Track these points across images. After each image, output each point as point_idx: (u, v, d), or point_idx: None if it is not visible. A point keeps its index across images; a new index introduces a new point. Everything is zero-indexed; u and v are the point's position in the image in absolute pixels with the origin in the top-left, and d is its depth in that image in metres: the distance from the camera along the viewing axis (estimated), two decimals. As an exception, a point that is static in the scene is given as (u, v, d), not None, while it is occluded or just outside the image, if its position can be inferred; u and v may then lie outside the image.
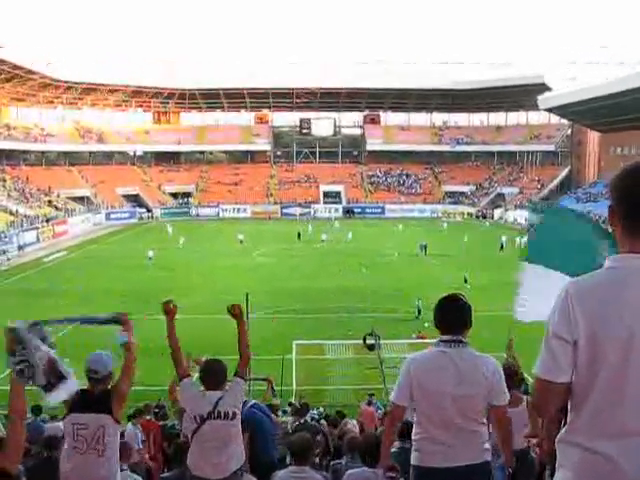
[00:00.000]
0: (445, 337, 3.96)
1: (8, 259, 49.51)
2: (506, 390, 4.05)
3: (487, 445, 4.01)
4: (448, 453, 3.85)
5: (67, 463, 4.72)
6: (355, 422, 11.38)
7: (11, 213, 61.17)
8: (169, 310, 5.29)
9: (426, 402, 3.91)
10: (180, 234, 58.71)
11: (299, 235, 60.34)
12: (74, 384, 3.78)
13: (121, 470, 5.94)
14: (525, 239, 53.79)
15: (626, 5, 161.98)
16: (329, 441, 9.27)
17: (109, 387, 4.75)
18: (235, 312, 5.23)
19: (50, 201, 71.84)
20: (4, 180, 72.05)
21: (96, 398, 4.66)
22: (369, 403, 14.56)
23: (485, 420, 4.03)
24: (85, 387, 4.78)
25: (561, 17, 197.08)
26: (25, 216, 61.41)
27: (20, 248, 52.49)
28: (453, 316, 4.01)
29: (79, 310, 29.29)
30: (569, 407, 2.50)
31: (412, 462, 4.03)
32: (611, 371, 2.31)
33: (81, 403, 4.65)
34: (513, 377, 6.37)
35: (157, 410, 11.85)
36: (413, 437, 4.08)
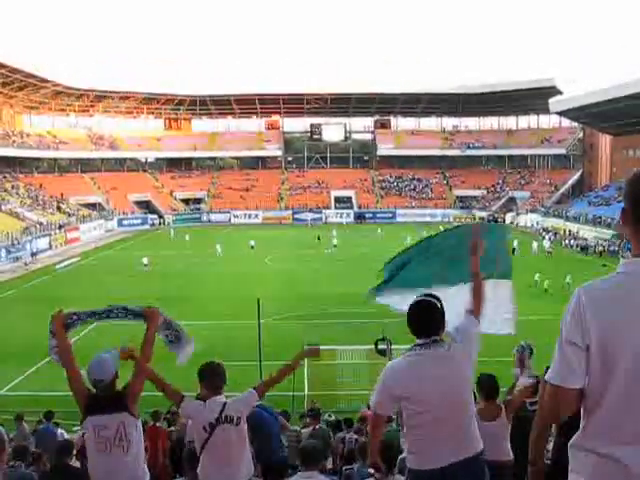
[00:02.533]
0: (419, 341, 3.94)
1: (26, 264, 49.79)
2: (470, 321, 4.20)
3: (478, 435, 3.98)
4: (444, 451, 3.82)
5: (94, 467, 4.78)
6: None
7: (24, 220, 61.52)
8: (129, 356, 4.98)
9: (414, 405, 3.87)
10: (187, 238, 58.87)
11: (319, 238, 60.88)
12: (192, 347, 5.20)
13: None
14: (540, 244, 53.90)
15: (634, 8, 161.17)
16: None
17: (121, 387, 4.79)
18: (312, 353, 5.41)
19: (62, 208, 72.16)
20: (18, 187, 72.50)
21: (110, 399, 4.71)
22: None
23: (473, 409, 4.04)
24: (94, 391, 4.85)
25: (572, 20, 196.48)
26: (38, 223, 61.74)
27: (33, 255, 52.75)
28: (424, 319, 3.97)
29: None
30: (582, 413, 2.48)
31: (409, 466, 3.99)
32: (624, 377, 2.30)
33: (97, 405, 4.73)
34: (492, 388, 6.28)
35: (169, 416, 11.84)
36: (407, 441, 4.06)
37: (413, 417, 3.91)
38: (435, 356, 3.88)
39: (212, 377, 5.05)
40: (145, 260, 47.92)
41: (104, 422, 4.67)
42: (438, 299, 4.04)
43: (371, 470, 4.58)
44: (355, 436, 10.15)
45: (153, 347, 4.88)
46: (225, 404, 4.87)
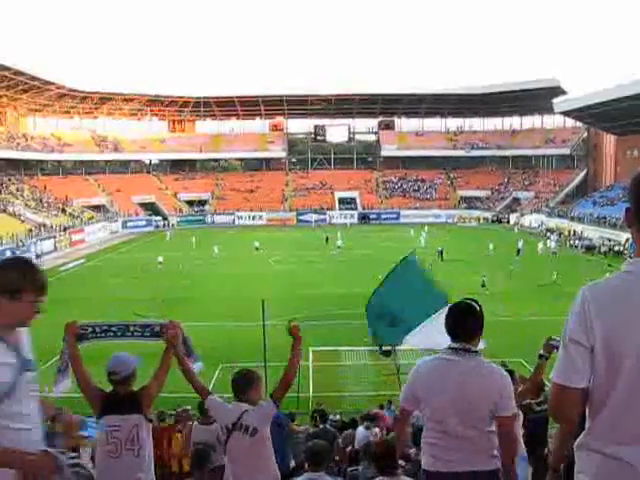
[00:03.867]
0: (454, 345, 3.89)
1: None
2: (513, 402, 3.93)
3: (495, 452, 3.91)
4: (451, 459, 3.81)
5: (102, 470, 4.75)
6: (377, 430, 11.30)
7: (29, 222, 61.66)
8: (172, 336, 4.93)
9: (429, 409, 3.90)
10: (194, 240, 58.91)
11: (327, 239, 60.92)
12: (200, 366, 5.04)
13: None
14: (545, 244, 53.80)
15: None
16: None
17: (136, 388, 4.78)
18: (294, 332, 4.97)
19: (67, 210, 72.30)
20: (22, 190, 72.67)
21: (126, 399, 4.70)
22: (381, 407, 14.54)
23: (493, 428, 3.95)
24: (109, 390, 4.85)
25: (577, 20, 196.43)
26: (42, 225, 61.87)
27: (38, 257, 52.77)
28: (463, 324, 3.91)
29: (97, 318, 29.50)
30: (587, 413, 2.48)
31: (422, 466, 4.02)
32: (629, 376, 2.29)
33: (112, 405, 4.72)
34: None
35: (179, 416, 11.84)
36: (422, 441, 4.06)
37: (429, 416, 3.94)
38: (462, 365, 3.84)
39: (237, 382, 4.98)
40: (160, 259, 49.04)
41: (118, 422, 4.65)
42: (478, 302, 4.02)
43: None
44: (376, 430, 10.14)
45: (170, 362, 4.82)
46: (244, 411, 4.78)
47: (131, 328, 5.12)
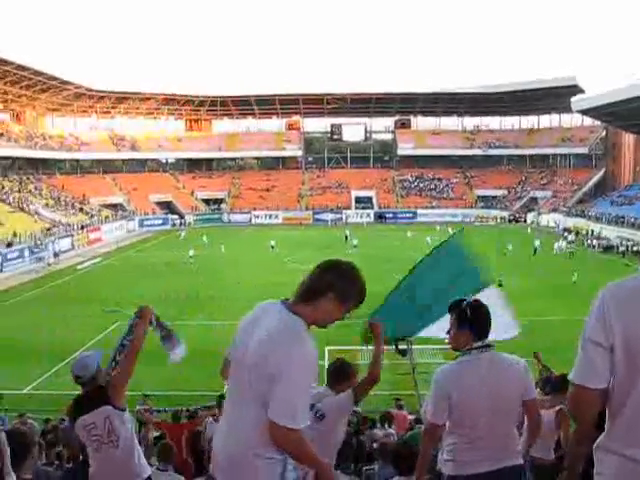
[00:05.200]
0: (476, 344, 3.90)
1: (49, 264, 50.28)
2: (533, 385, 4.09)
3: (519, 447, 3.99)
4: (485, 458, 3.81)
5: (93, 467, 4.80)
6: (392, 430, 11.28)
7: (47, 221, 62.11)
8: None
9: (463, 412, 3.85)
10: (219, 241, 59.06)
11: (347, 237, 61.06)
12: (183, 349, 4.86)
13: (163, 470, 5.98)
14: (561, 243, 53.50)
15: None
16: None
17: (103, 383, 4.77)
18: (376, 332, 4.77)
19: (84, 209, 72.73)
20: (40, 189, 73.19)
21: (93, 396, 4.72)
22: (400, 407, 14.50)
23: (517, 421, 4.02)
24: (78, 393, 4.91)
25: (595, 18, 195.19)
26: (60, 223, 62.28)
27: (55, 255, 53.21)
28: (481, 322, 3.94)
29: (113, 316, 29.67)
30: (607, 414, 2.46)
31: (446, 472, 3.95)
32: (648, 377, 2.27)
33: (81, 406, 4.77)
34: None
35: (191, 416, 11.89)
36: (446, 447, 4.00)
37: (458, 421, 3.88)
38: (487, 361, 3.87)
39: (333, 372, 4.92)
40: (191, 252, 50.89)
41: (91, 420, 4.67)
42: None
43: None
44: (391, 430, 10.13)
45: (142, 342, 4.75)
46: (325, 397, 4.61)
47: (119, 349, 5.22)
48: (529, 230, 69.46)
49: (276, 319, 3.00)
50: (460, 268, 6.29)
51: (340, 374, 4.88)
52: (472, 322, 3.92)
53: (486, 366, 3.84)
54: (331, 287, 3.01)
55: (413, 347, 6.96)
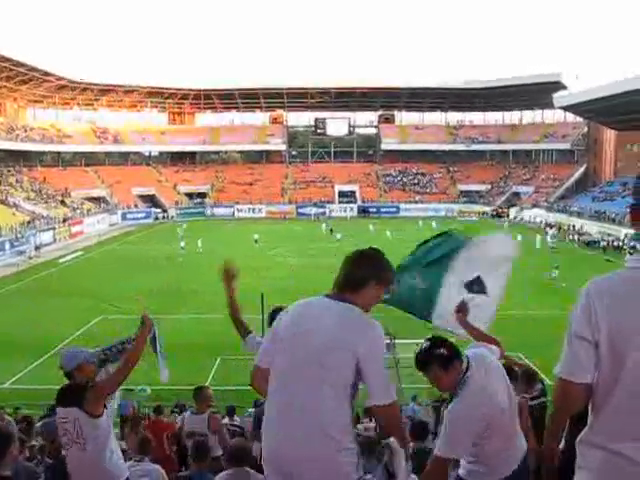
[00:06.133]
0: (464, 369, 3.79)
1: (30, 257, 49.94)
2: None
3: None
4: (507, 461, 3.76)
5: (69, 464, 4.80)
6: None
7: (28, 213, 61.64)
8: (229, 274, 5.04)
9: (489, 422, 3.65)
10: (197, 235, 58.83)
11: (332, 230, 61.03)
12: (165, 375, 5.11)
13: (138, 461, 5.95)
14: (543, 239, 53.81)
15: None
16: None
17: (90, 381, 4.74)
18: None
19: (66, 202, 72.24)
20: (21, 181, 72.60)
21: (71, 392, 4.68)
22: None
23: None
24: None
25: (577, 15, 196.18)
26: (42, 216, 61.84)
27: (37, 248, 52.84)
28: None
29: (95, 310, 29.53)
30: (590, 408, 2.48)
31: None
32: (633, 372, 2.29)
33: (60, 397, 4.74)
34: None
35: (177, 409, 11.88)
36: (468, 462, 3.84)
37: (484, 443, 3.72)
38: (499, 367, 3.85)
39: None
40: (182, 244, 53.23)
41: (64, 414, 4.67)
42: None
43: None
44: (372, 424, 10.15)
45: (141, 350, 4.76)
46: None
47: (112, 351, 5.26)
48: (506, 225, 69.70)
49: (337, 308, 3.11)
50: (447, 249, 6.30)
51: None
52: (455, 350, 3.74)
53: (489, 369, 3.77)
54: (372, 275, 3.20)
55: (396, 342, 6.94)
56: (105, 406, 4.73)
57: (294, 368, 3.07)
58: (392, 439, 3.60)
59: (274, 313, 4.84)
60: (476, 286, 5.98)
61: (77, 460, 4.67)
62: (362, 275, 3.19)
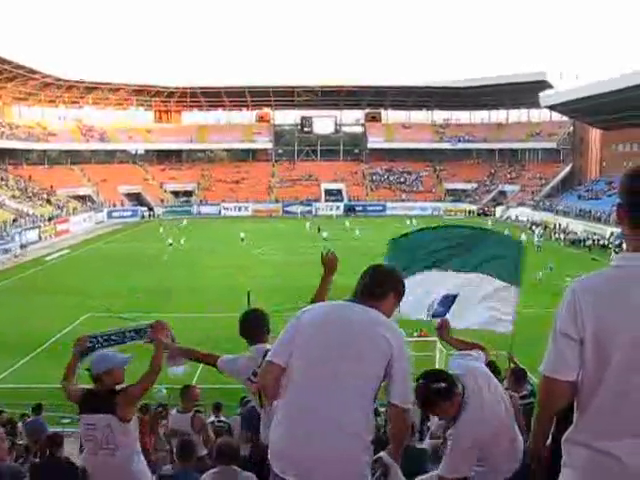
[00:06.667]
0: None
1: (15, 256, 49.67)
2: None
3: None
4: (509, 461, 3.81)
5: (87, 464, 4.78)
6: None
7: (13, 212, 61.22)
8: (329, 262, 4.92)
9: (494, 440, 3.79)
10: (182, 234, 58.70)
11: (319, 229, 60.91)
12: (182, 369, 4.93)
13: None
14: (529, 237, 53.99)
15: (626, 4, 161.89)
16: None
17: (118, 387, 4.72)
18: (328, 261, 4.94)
19: (52, 200, 71.84)
20: (6, 179, 72.12)
21: (100, 398, 4.66)
22: None
23: None
24: (88, 387, 4.84)
25: (564, 14, 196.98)
26: (27, 215, 61.47)
27: (22, 247, 52.53)
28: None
29: (82, 308, 29.36)
30: (575, 406, 2.49)
31: None
32: (617, 370, 2.30)
33: (87, 404, 4.71)
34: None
35: (160, 409, 11.81)
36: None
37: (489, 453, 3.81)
38: (487, 374, 3.93)
39: (250, 324, 4.76)
40: (170, 240, 53.87)
41: (93, 421, 4.63)
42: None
43: None
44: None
45: (161, 360, 4.77)
46: (267, 351, 4.60)
47: (127, 334, 5.16)
48: (489, 223, 69.99)
49: (365, 310, 3.19)
50: (503, 253, 6.42)
51: (261, 323, 4.84)
52: (451, 379, 3.77)
53: (484, 383, 3.84)
54: (391, 288, 3.33)
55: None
56: (134, 411, 4.74)
57: (321, 363, 3.07)
58: (384, 453, 3.64)
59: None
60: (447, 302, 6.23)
61: (103, 465, 4.64)
62: (383, 287, 3.31)
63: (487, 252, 6.53)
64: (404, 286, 3.42)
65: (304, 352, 3.13)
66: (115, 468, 4.62)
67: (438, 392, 3.66)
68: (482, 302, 6.66)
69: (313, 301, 4.58)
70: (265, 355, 4.15)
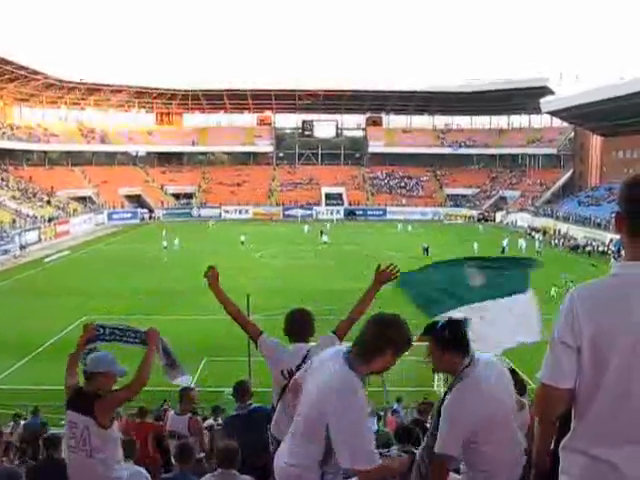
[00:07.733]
0: (466, 361, 3.69)
1: (15, 257, 49.66)
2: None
3: None
4: (510, 468, 3.68)
5: (68, 460, 4.81)
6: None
7: (14, 213, 61.21)
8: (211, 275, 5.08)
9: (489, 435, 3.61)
10: (176, 235, 58.69)
11: (321, 232, 60.80)
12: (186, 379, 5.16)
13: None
14: (529, 243, 53.98)
15: (628, 10, 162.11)
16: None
17: (105, 391, 4.72)
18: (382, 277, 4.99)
19: (52, 201, 71.84)
20: (7, 180, 72.14)
21: (84, 399, 4.67)
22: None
23: None
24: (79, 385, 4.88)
25: (566, 21, 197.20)
26: (27, 216, 61.47)
27: (22, 247, 52.54)
28: (464, 338, 3.75)
29: (81, 310, 29.33)
30: (573, 413, 2.49)
31: None
32: (615, 378, 2.31)
33: (73, 401, 4.74)
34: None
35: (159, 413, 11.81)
36: (470, 469, 3.77)
37: (491, 451, 3.67)
38: (501, 373, 3.77)
39: (296, 326, 4.86)
40: (164, 243, 54.21)
41: (75, 420, 4.66)
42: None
43: None
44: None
45: (150, 369, 4.79)
46: (309, 350, 4.57)
47: (128, 332, 5.21)
48: (480, 228, 69.99)
49: (336, 374, 3.28)
50: (509, 268, 6.30)
51: (306, 322, 4.98)
52: (458, 341, 3.69)
53: (495, 376, 3.67)
54: (389, 344, 3.28)
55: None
56: (113, 418, 4.74)
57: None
58: None
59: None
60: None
61: (81, 465, 4.66)
62: (379, 345, 3.27)
63: (499, 279, 6.39)
64: (407, 345, 3.33)
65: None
66: (92, 471, 4.63)
67: (437, 333, 3.69)
68: (508, 321, 6.41)
69: (353, 312, 4.94)
70: (306, 357, 4.41)
